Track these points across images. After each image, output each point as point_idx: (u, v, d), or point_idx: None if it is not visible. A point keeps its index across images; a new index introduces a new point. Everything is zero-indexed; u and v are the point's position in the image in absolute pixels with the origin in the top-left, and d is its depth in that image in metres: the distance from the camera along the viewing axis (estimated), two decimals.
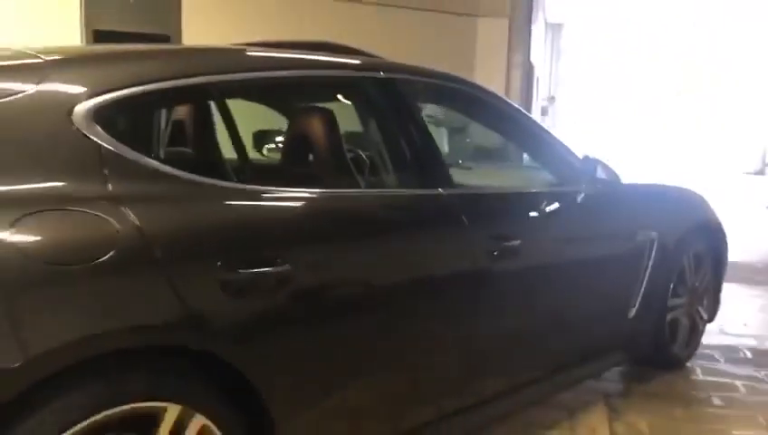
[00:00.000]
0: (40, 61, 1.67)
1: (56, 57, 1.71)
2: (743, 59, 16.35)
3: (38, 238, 1.39)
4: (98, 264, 1.43)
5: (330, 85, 2.52)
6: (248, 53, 2.17)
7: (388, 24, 9.23)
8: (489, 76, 9.62)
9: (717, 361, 3.72)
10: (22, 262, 1.34)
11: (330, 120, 2.22)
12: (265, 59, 2.18)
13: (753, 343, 4.04)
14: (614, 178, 2.93)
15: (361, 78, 2.36)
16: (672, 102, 17.36)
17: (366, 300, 1.98)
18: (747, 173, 16.82)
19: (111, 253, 1.45)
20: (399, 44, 8.99)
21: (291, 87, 2.47)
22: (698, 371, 3.57)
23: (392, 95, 2.34)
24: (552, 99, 10.85)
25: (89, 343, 1.40)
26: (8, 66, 1.67)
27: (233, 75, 1.98)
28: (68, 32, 7.50)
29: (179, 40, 8.08)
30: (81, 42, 7.55)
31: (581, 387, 3.13)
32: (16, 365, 1.29)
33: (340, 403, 1.91)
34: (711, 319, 3.75)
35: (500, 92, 2.89)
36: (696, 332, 3.62)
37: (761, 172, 16.89)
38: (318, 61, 2.27)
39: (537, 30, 10.54)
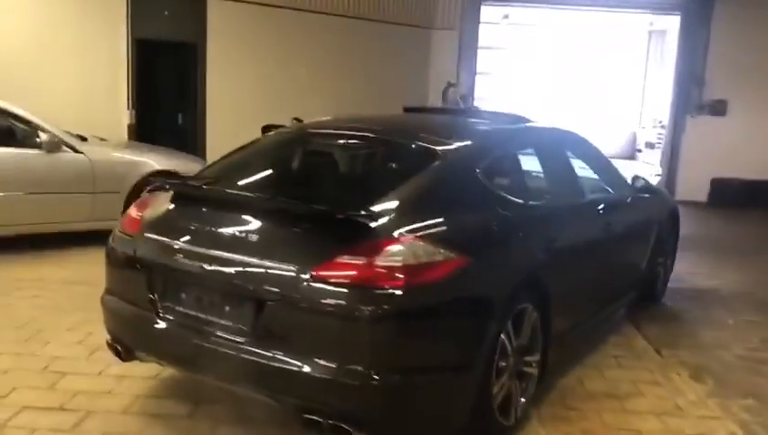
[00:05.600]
0: (447, 145, 3.43)
1: (452, 142, 3.48)
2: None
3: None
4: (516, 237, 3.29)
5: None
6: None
7: (360, 33, 10.94)
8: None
9: (675, 296, 5.96)
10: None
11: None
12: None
13: (688, 285, 6.34)
14: (649, 186, 5.00)
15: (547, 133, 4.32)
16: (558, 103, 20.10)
17: (576, 249, 3.87)
18: (621, 158, 19.92)
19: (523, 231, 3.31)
20: (369, 52, 10.86)
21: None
22: (668, 302, 5.78)
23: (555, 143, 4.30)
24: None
25: (519, 279, 3.23)
26: (427, 144, 3.43)
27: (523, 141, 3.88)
28: (114, 41, 8.65)
29: (204, 48, 9.39)
30: (127, 50, 8.72)
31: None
32: (514, 283, 3.13)
33: (572, 296, 3.78)
34: (671, 270, 5.97)
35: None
36: (666, 278, 5.82)
37: (632, 157, 20.08)
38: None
39: None
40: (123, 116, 8.78)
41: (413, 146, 3.51)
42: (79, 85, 8.44)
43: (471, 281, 2.93)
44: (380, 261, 2.69)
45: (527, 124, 4.31)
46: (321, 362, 2.68)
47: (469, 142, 3.63)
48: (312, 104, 10.46)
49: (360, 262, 2.69)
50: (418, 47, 11.74)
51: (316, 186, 3.54)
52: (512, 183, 3.73)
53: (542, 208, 3.78)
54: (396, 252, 2.72)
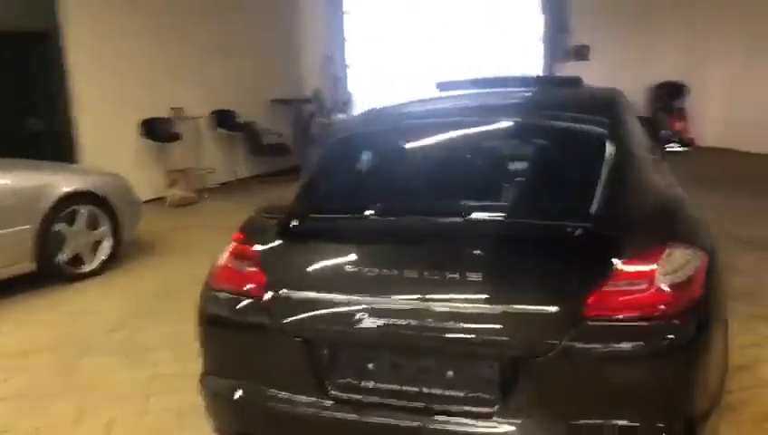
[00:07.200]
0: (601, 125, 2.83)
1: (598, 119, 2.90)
2: None
3: None
4: None
5: None
6: None
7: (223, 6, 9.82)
8: None
9: None
10: None
11: None
12: None
13: None
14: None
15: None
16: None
17: None
18: None
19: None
20: (238, 27, 9.84)
21: None
22: None
23: None
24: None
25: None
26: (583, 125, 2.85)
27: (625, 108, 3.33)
28: None
29: (59, 36, 7.75)
30: None
31: None
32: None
33: None
34: None
35: None
36: None
37: None
38: None
39: None
40: None
41: (569, 128, 2.90)
42: None
43: (716, 281, 2.43)
44: (661, 281, 2.12)
45: (609, 88, 3.82)
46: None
47: (608, 118, 2.95)
48: (189, 91, 9.29)
49: (639, 287, 2.10)
50: (286, 15, 10.82)
51: (490, 194, 2.76)
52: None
53: (674, 187, 3.30)
54: (670, 265, 2.16)
